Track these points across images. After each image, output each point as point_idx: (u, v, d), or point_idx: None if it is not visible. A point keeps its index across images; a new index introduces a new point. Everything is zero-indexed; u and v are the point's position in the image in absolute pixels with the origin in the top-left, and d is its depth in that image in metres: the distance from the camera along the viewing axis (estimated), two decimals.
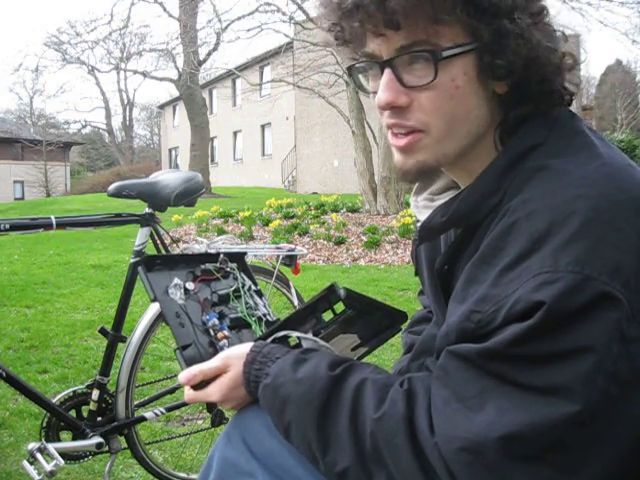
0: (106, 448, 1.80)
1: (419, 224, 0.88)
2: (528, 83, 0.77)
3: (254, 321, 1.12)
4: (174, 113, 35.93)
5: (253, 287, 1.21)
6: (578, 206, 0.66)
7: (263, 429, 0.85)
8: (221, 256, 1.21)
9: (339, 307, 0.94)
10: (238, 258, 1.24)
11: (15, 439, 2.29)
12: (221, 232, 8.04)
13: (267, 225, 8.67)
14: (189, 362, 0.98)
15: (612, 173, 0.71)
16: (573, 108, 0.83)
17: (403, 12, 0.71)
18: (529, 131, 0.77)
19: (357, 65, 0.82)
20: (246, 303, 1.15)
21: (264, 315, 1.15)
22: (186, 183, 1.86)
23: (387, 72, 0.76)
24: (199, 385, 0.90)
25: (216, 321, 1.08)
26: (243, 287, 1.18)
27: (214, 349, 1.02)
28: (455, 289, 0.75)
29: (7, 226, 1.63)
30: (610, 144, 0.77)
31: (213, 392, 0.89)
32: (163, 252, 1.91)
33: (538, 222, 0.67)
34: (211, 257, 1.21)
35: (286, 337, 0.90)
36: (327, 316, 0.95)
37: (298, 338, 0.90)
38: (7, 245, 7.76)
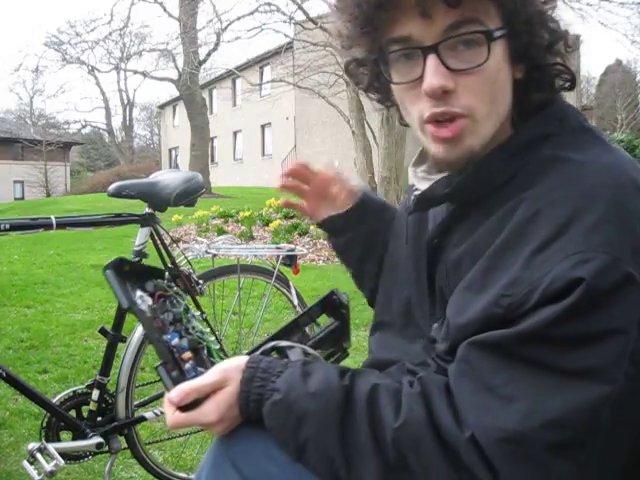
0: (106, 448, 1.80)
1: (417, 192, 0.87)
2: (544, 66, 0.79)
3: (212, 342, 1.02)
4: (174, 113, 35.89)
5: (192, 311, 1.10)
6: (600, 193, 0.68)
7: (257, 450, 0.77)
8: (167, 274, 1.14)
9: (322, 320, 0.93)
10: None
11: (15, 439, 2.29)
12: (221, 232, 8.04)
13: (267, 225, 8.66)
14: (176, 380, 0.87)
15: (625, 167, 0.73)
16: None
17: None
18: (542, 119, 0.79)
19: (391, 53, 0.77)
20: (194, 327, 1.03)
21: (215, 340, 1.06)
22: (186, 183, 1.86)
23: (432, 57, 0.73)
24: (188, 406, 0.79)
25: (178, 340, 0.96)
26: (189, 309, 1.07)
27: (179, 371, 0.90)
28: (466, 279, 0.74)
29: (7, 226, 1.62)
30: (611, 143, 0.79)
31: (209, 411, 0.78)
32: (163, 252, 1.91)
33: (562, 209, 0.68)
34: (159, 272, 1.12)
35: (273, 350, 0.86)
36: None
37: (285, 349, 0.85)
38: (7, 245, 7.76)
